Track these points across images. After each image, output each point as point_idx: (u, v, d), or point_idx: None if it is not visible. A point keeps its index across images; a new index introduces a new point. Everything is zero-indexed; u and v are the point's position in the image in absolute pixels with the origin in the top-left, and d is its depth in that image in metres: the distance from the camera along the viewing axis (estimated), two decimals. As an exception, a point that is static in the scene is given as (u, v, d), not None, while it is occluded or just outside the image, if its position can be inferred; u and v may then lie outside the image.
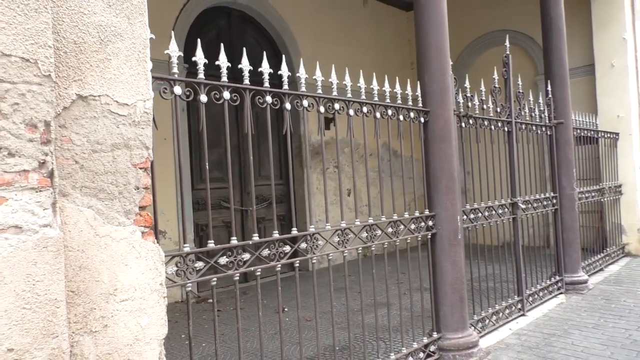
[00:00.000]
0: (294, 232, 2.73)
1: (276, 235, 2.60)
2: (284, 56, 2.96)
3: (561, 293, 5.33)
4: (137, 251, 1.79)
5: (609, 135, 7.06)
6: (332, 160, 8.09)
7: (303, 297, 5.17)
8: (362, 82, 3.19)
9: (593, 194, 6.46)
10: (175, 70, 2.17)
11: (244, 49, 2.73)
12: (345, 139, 6.91)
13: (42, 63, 1.55)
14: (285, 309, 5.19)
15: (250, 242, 2.47)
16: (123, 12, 1.81)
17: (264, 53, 2.69)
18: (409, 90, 3.57)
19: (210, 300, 5.93)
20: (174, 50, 2.16)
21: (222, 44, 2.43)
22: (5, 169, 1.47)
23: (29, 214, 1.51)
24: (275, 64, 7.10)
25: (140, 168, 1.83)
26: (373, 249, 3.21)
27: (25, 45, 1.52)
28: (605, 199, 6.87)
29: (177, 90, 2.16)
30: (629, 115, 7.22)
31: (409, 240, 3.50)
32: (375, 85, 3.32)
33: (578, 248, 5.55)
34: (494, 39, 8.64)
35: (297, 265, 2.73)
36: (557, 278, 5.37)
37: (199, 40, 2.31)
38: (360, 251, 3.18)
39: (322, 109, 2.89)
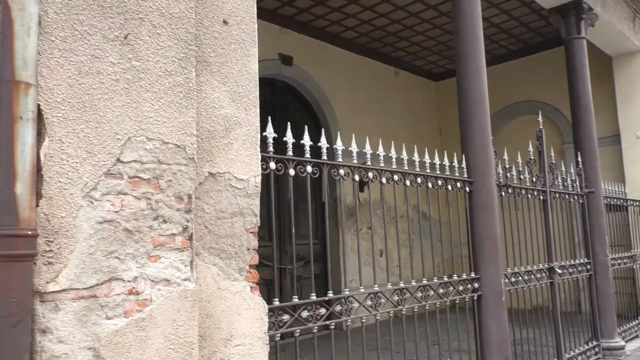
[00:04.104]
0: (330, 295, 2.85)
1: (313, 297, 2.71)
2: (323, 130, 3.23)
3: (599, 358, 5.40)
4: (248, 303, 2.11)
5: (638, 203, 7.26)
6: (365, 221, 8.40)
7: (337, 357, 5.30)
8: (393, 152, 3.38)
9: (625, 260, 6.60)
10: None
11: (305, 126, 2.96)
12: (377, 201, 7.22)
13: (188, 148, 1.96)
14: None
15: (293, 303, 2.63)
16: (242, 105, 2.24)
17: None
18: (455, 162, 3.89)
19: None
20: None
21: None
22: (161, 232, 1.84)
23: (174, 270, 1.86)
24: (314, 129, 7.58)
25: (251, 232, 2.19)
26: (404, 312, 3.32)
27: (178, 135, 1.93)
28: (637, 266, 6.98)
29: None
30: (656, 185, 7.45)
31: (447, 303, 3.68)
32: (404, 155, 3.47)
33: (613, 313, 5.65)
34: (520, 109, 9.11)
35: (332, 327, 2.88)
36: (594, 343, 5.45)
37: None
38: (391, 314, 3.31)
39: (357, 177, 3.13)
